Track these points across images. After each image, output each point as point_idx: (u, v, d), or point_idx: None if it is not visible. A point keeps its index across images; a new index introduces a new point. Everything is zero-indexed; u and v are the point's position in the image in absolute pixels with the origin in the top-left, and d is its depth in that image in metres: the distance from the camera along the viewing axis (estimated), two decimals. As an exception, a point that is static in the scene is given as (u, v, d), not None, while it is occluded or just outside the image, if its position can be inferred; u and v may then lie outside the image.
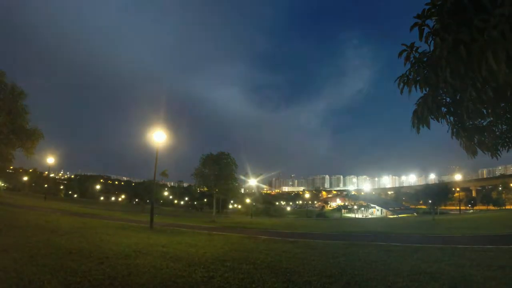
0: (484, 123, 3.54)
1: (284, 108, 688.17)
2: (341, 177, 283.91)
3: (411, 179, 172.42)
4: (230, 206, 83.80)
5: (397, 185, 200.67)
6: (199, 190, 70.87)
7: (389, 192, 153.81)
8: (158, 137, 17.28)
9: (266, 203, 77.05)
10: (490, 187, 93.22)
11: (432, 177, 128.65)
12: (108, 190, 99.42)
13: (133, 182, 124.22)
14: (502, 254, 8.32)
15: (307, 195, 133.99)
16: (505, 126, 3.52)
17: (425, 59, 3.11)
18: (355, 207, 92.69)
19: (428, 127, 3.27)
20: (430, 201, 40.75)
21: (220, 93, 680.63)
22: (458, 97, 3.19)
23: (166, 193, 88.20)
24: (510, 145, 3.54)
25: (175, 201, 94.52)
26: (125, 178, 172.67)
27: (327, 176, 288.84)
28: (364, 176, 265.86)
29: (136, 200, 73.81)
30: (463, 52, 2.42)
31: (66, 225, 12.99)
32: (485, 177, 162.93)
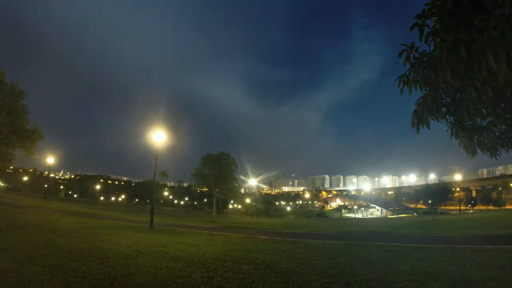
0: (484, 123, 3.55)
1: (284, 105, 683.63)
2: (341, 177, 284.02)
3: (411, 179, 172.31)
4: (230, 206, 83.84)
5: (397, 185, 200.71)
6: (199, 190, 70.96)
7: (389, 192, 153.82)
8: (158, 137, 17.28)
9: (266, 203, 77.10)
10: (490, 187, 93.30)
11: (432, 177, 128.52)
12: (108, 190, 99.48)
13: (133, 182, 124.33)
14: (502, 254, 8.32)
15: (307, 195, 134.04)
16: (505, 126, 3.52)
17: (425, 59, 3.11)
18: (355, 207, 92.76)
19: (428, 127, 3.27)
20: (430, 201, 40.75)
21: (220, 91, 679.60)
22: (458, 97, 3.19)
23: (166, 193, 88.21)
24: (510, 145, 3.54)
25: (175, 201, 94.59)
26: (125, 178, 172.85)
27: (327, 176, 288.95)
28: (364, 176, 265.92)
29: (136, 200, 73.87)
30: (463, 52, 2.42)
31: (66, 225, 12.99)
32: (485, 177, 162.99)
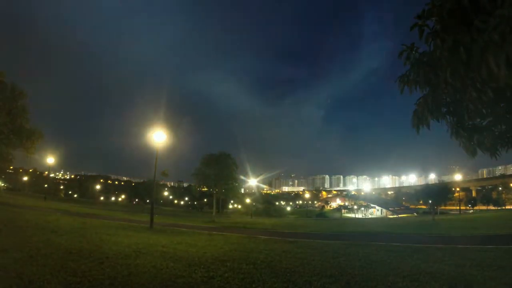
0: (484, 123, 3.55)
1: (284, 103, 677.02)
2: (341, 177, 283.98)
3: (411, 179, 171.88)
4: (230, 206, 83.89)
5: (397, 185, 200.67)
6: (199, 190, 70.96)
7: (389, 192, 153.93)
8: (158, 137, 17.29)
9: (266, 203, 77.01)
10: (490, 187, 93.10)
11: (432, 177, 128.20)
12: (108, 190, 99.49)
13: (133, 182, 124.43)
14: (502, 254, 8.32)
15: (307, 195, 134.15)
16: (505, 126, 3.53)
17: (425, 59, 3.12)
18: (355, 207, 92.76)
19: (428, 127, 3.28)
20: (430, 201, 40.70)
21: (220, 91, 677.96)
22: (458, 97, 3.19)
23: (166, 193, 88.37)
24: (510, 145, 3.54)
25: (175, 201, 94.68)
26: (125, 178, 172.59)
27: (327, 176, 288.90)
28: (364, 176, 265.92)
29: (136, 200, 73.88)
30: (462, 53, 2.42)
31: (66, 225, 12.99)
32: (485, 177, 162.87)
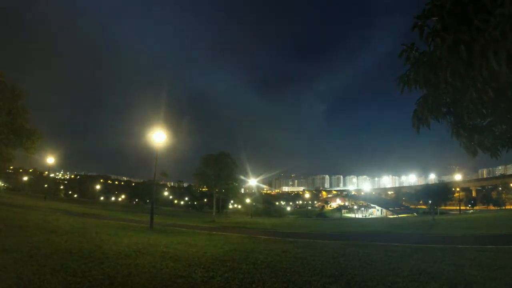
0: (484, 123, 3.55)
1: (285, 101, 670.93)
2: (341, 177, 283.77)
3: (411, 179, 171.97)
4: (230, 206, 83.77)
5: (397, 185, 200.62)
6: (199, 190, 70.96)
7: (389, 192, 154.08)
8: (158, 137, 17.29)
9: (266, 203, 77.01)
10: (490, 187, 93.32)
11: (432, 177, 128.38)
12: (108, 190, 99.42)
13: (133, 182, 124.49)
14: (502, 254, 8.32)
15: (307, 195, 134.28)
16: (505, 126, 3.52)
17: (425, 59, 3.11)
18: (355, 207, 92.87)
19: (428, 127, 3.28)
20: (430, 201, 40.76)
21: (220, 90, 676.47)
22: (458, 97, 3.19)
23: (166, 193, 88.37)
24: (510, 145, 3.54)
25: (175, 201, 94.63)
26: (125, 178, 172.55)
27: (327, 176, 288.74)
28: (364, 176, 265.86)
29: (136, 200, 73.87)
30: (463, 52, 2.42)
31: (66, 225, 12.98)
32: (485, 177, 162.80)
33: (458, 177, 65.92)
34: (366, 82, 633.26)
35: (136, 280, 5.09)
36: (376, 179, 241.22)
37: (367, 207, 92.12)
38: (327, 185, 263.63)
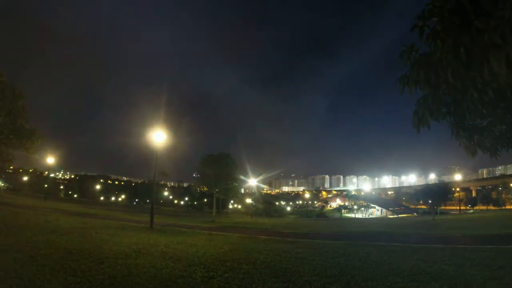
0: (484, 123, 3.55)
1: (286, 102, 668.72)
2: (341, 177, 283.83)
3: (411, 179, 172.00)
4: (230, 206, 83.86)
5: (397, 185, 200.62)
6: (199, 190, 70.93)
7: (389, 192, 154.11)
8: (158, 137, 17.28)
9: (266, 203, 76.95)
10: (490, 187, 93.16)
11: (432, 177, 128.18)
12: (108, 190, 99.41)
13: (133, 182, 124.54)
14: (502, 254, 8.32)
15: (307, 195, 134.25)
16: (505, 126, 3.53)
17: (425, 60, 3.11)
18: (355, 207, 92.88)
19: (429, 127, 3.28)
20: (430, 201, 40.78)
21: (220, 90, 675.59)
22: (458, 98, 3.19)
23: (166, 193, 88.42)
24: (510, 145, 3.54)
25: (175, 201, 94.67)
26: (125, 178, 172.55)
27: (327, 176, 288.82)
28: (364, 176, 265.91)
29: (136, 200, 73.90)
30: (463, 53, 2.42)
31: (66, 225, 12.99)
32: (485, 177, 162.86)
33: (458, 177, 65.78)
34: (366, 82, 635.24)
35: (136, 280, 5.09)
36: (376, 179, 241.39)
37: (367, 207, 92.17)
38: (327, 185, 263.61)
